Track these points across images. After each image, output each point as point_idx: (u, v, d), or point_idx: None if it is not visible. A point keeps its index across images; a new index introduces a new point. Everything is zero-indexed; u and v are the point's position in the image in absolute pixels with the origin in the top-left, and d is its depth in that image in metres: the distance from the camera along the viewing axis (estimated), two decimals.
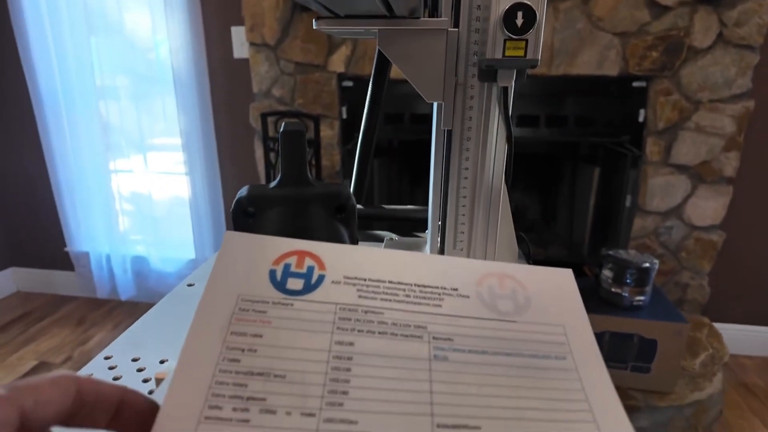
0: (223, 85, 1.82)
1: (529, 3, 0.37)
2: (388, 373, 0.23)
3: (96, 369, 0.47)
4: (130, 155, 1.96)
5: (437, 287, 0.28)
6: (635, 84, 1.59)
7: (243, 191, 0.38)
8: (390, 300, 0.26)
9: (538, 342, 0.26)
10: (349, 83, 1.71)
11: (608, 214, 1.78)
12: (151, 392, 0.38)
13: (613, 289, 1.38)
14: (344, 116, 1.74)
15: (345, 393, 0.22)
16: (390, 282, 0.27)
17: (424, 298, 0.27)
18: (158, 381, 0.36)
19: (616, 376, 1.38)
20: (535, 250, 1.95)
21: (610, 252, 1.40)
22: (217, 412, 0.20)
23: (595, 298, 1.43)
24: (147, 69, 1.86)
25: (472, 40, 0.44)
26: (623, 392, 1.36)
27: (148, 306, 0.58)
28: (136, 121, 1.91)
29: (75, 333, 1.85)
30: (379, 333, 0.25)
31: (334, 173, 1.77)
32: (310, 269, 0.27)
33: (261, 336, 0.23)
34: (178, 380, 0.21)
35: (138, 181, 1.98)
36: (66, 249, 2.06)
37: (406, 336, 0.25)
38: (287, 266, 0.27)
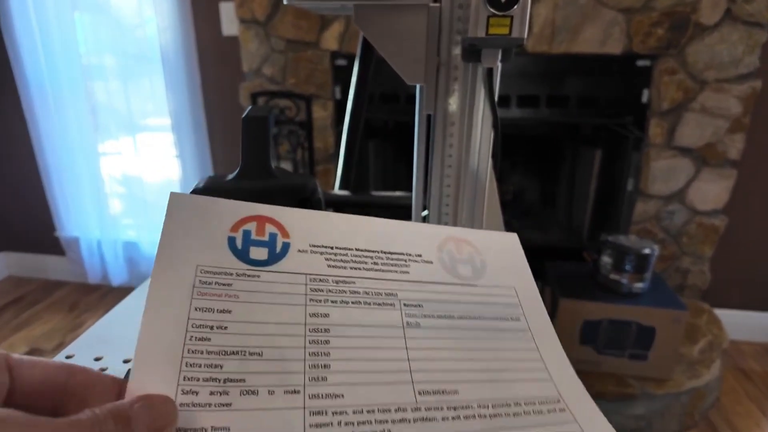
0: (213, 63, 1.77)
1: None
2: (367, 342, 0.23)
3: None
4: (118, 137, 1.92)
5: (402, 254, 0.28)
6: (639, 63, 1.53)
7: (199, 183, 0.35)
8: (359, 268, 0.26)
9: (496, 304, 0.27)
10: (343, 62, 1.65)
11: (609, 197, 1.74)
12: None
13: (611, 276, 1.36)
14: (338, 96, 1.69)
15: (327, 367, 0.21)
16: (357, 249, 0.27)
17: (392, 265, 0.27)
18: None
19: (613, 364, 1.36)
20: (534, 234, 1.91)
21: (610, 238, 1.36)
22: (193, 397, 0.18)
23: (593, 285, 1.40)
24: (134, 47, 1.80)
25: (456, 16, 0.40)
26: (620, 379, 1.35)
27: None
28: (125, 102, 1.86)
29: (67, 319, 1.83)
30: (353, 303, 0.24)
31: (327, 156, 1.73)
32: (273, 237, 0.25)
33: (230, 312, 0.22)
34: (140, 365, 0.19)
35: (127, 163, 1.94)
36: (56, 234, 2.03)
37: (379, 304, 0.25)
38: (247, 233, 0.25)
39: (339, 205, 0.81)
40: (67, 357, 0.45)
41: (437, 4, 0.40)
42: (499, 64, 0.40)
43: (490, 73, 0.41)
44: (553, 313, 1.37)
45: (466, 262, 0.29)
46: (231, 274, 0.23)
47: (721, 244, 1.67)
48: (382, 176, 1.91)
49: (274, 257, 0.24)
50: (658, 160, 1.58)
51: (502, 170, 1.98)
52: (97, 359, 0.43)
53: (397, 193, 0.78)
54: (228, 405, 0.19)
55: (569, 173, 1.90)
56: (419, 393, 0.21)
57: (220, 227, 0.24)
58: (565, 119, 1.67)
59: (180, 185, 1.90)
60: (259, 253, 0.24)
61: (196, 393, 0.19)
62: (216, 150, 1.89)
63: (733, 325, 1.74)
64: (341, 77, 1.66)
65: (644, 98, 1.55)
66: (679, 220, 1.65)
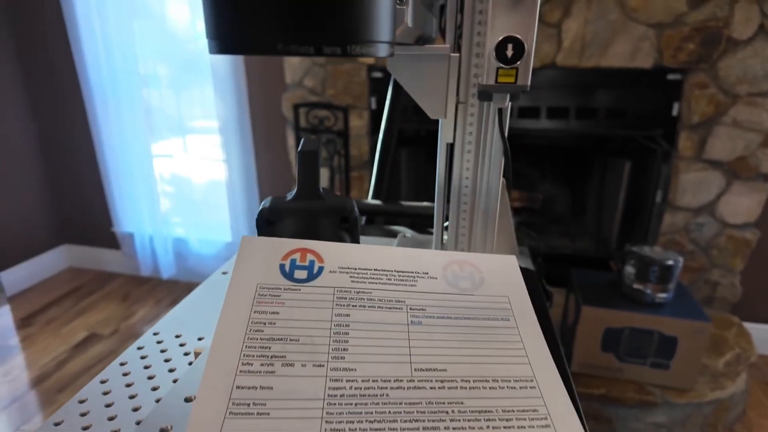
0: (258, 75, 1.89)
1: (518, 36, 0.40)
2: (377, 335, 0.31)
3: (147, 343, 0.54)
4: (170, 140, 2.07)
5: (412, 272, 0.36)
6: (670, 77, 1.56)
7: (266, 203, 0.44)
8: (376, 283, 0.34)
9: (489, 309, 0.35)
10: (379, 74, 1.74)
11: (637, 208, 1.76)
12: (190, 363, 0.45)
13: (635, 286, 1.39)
14: (373, 107, 1.78)
15: (345, 350, 0.30)
16: (375, 270, 0.35)
17: (402, 280, 0.35)
18: (196, 354, 0.43)
19: (635, 372, 1.39)
20: (562, 242, 1.95)
21: (634, 248, 1.40)
22: (249, 367, 0.28)
23: (617, 294, 1.44)
24: (186, 58, 1.94)
25: (473, 63, 0.48)
26: (641, 387, 1.38)
27: (187, 285, 0.66)
28: (177, 109, 2.01)
29: (121, 308, 2.00)
30: (369, 306, 0.33)
31: (362, 163, 1.83)
32: (312, 262, 0.35)
33: (278, 313, 0.31)
34: (217, 347, 0.29)
35: (178, 165, 2.10)
36: (112, 229, 2.21)
37: (390, 308, 0.33)
38: (293, 261, 0.35)
39: (371, 213, 0.90)
40: (154, 333, 0.55)
41: (457, 54, 0.48)
42: (509, 104, 0.48)
43: (500, 112, 0.48)
44: (575, 320, 1.42)
45: (467, 278, 0.36)
46: (280, 289, 0.33)
47: (753, 257, 1.66)
48: (414, 181, 1.99)
49: (312, 276, 0.34)
50: (688, 172, 1.60)
51: (531, 179, 2.03)
52: (177, 336, 0.53)
53: (425, 204, 0.86)
54: (272, 372, 0.28)
55: (598, 184, 1.93)
56: (415, 369, 0.29)
57: (274, 258, 0.34)
58: (594, 131, 1.71)
59: (225, 187, 2.04)
60: (301, 274, 0.34)
61: (251, 364, 0.28)
62: (259, 155, 2.01)
63: (765, 339, 1.73)
64: (377, 89, 1.76)
65: (674, 111, 1.58)
66: (709, 232, 1.65)
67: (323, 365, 0.28)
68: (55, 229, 2.29)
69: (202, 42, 1.88)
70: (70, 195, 2.25)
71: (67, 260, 2.36)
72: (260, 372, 0.27)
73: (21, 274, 2.12)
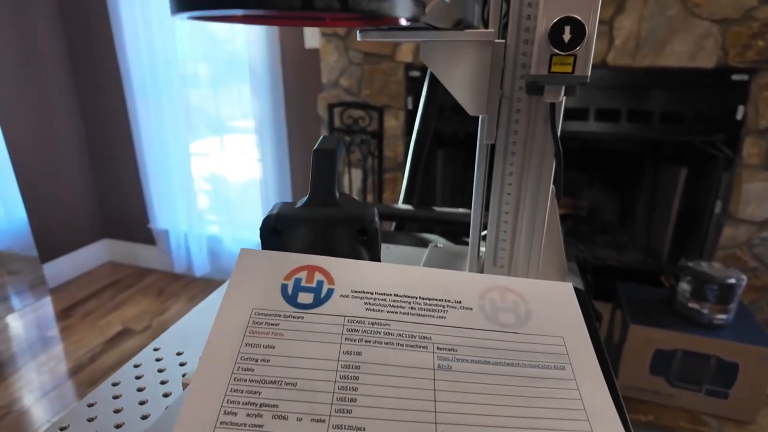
0: (295, 75, 1.87)
1: (578, 17, 0.34)
2: (394, 381, 0.25)
3: (145, 359, 0.50)
4: (208, 139, 2.08)
5: (441, 300, 0.29)
6: (735, 77, 1.42)
7: (273, 209, 0.39)
8: (396, 312, 0.28)
9: (538, 353, 0.27)
10: (416, 73, 1.68)
11: (693, 220, 1.62)
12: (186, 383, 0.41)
13: (690, 305, 1.27)
14: (410, 107, 1.72)
15: (353, 400, 0.23)
16: (396, 295, 0.29)
17: (429, 310, 0.28)
18: (184, 386, 0.38)
19: (688, 399, 1.27)
20: (608, 253, 1.83)
21: (690, 263, 1.28)
22: (232, 417, 0.22)
23: (669, 312, 1.32)
24: (225, 58, 1.94)
25: (521, 51, 0.41)
26: (695, 416, 1.26)
27: (220, 283, 0.62)
28: (215, 109, 2.01)
29: (155, 303, 2.02)
30: (386, 343, 0.26)
31: (396, 165, 1.77)
32: (320, 284, 0.28)
33: (273, 347, 0.25)
34: (196, 388, 0.23)
35: (215, 163, 2.10)
36: (149, 225, 2.24)
37: (412, 346, 0.26)
38: (298, 281, 0.28)
39: (401, 219, 0.84)
40: (155, 349, 0.51)
41: (502, 41, 0.41)
42: (563, 98, 0.41)
43: (552, 108, 0.41)
44: (622, 338, 1.31)
45: (509, 311, 0.29)
46: (279, 315, 0.27)
47: None
48: (450, 185, 1.92)
49: (318, 301, 0.27)
50: (753, 182, 1.46)
51: (577, 185, 1.92)
52: (179, 353, 0.49)
53: (460, 210, 0.80)
54: (260, 426, 0.22)
55: (650, 191, 1.80)
56: None
57: (276, 276, 0.28)
58: (647, 135, 1.58)
59: (260, 186, 2.02)
60: (305, 297, 0.28)
61: (235, 414, 0.22)
62: (294, 155, 1.99)
63: None
64: (414, 88, 1.69)
65: (739, 115, 1.44)
66: None
67: (324, 420, 0.22)
68: (97, 224, 2.34)
69: (241, 41, 1.87)
70: (112, 191, 2.30)
71: (106, 254, 2.41)
72: (245, 425, 0.22)
73: (63, 267, 2.18)
